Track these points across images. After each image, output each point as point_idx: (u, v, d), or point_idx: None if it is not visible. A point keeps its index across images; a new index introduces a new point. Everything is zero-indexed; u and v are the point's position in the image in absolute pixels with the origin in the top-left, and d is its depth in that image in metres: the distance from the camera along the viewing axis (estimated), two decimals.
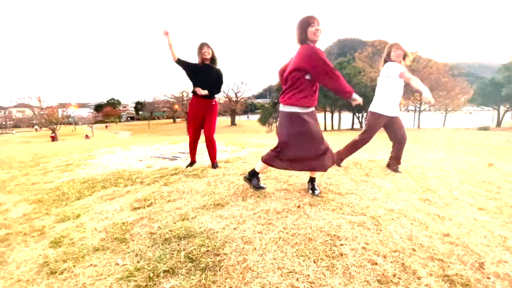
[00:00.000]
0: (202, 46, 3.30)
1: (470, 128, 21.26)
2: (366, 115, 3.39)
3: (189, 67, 3.36)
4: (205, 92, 3.33)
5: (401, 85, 3.12)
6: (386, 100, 3.14)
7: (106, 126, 57.37)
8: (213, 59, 3.37)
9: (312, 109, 2.27)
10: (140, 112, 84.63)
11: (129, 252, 1.63)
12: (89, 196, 2.76)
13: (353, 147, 3.32)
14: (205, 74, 3.35)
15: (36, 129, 45.46)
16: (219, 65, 3.46)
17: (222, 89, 3.57)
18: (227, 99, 51.20)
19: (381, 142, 6.64)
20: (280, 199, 2.26)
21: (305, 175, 2.91)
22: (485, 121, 29.00)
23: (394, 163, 3.29)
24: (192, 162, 3.68)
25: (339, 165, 3.37)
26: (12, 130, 52.76)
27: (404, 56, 3.09)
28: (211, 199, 2.35)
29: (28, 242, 1.91)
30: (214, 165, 3.52)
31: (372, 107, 3.22)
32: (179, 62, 3.32)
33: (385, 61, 3.15)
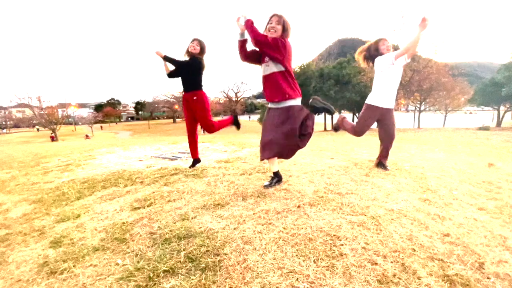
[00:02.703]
0: (192, 40, 3.35)
1: (470, 128, 21.25)
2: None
3: (176, 65, 3.37)
4: (158, 53, 3.36)
5: (394, 75, 3.12)
6: (382, 92, 3.16)
7: (101, 127, 55.51)
8: (200, 53, 3.35)
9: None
10: (140, 112, 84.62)
11: (129, 252, 1.64)
12: (89, 196, 2.76)
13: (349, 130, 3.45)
14: (183, 67, 3.35)
15: (38, 129, 45.36)
16: (215, 59, 3.51)
17: (201, 79, 3.45)
18: (227, 99, 51.21)
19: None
20: (280, 199, 2.25)
21: (305, 175, 2.91)
22: (485, 121, 28.98)
23: (382, 161, 3.32)
24: (195, 160, 3.64)
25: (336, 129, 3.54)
26: (3, 130, 52.68)
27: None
28: (211, 199, 2.35)
29: (28, 242, 1.91)
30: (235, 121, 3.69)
31: (369, 100, 3.25)
32: (169, 75, 3.44)
33: (374, 57, 3.18)
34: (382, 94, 3.15)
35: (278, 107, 2.37)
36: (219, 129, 3.54)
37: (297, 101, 2.37)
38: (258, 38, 2.18)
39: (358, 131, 3.36)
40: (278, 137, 2.34)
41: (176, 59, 3.35)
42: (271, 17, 2.25)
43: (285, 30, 2.25)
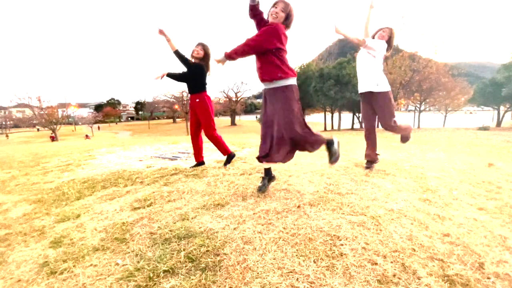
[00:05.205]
0: (196, 45, 3.42)
1: (470, 128, 21.26)
2: None
3: (183, 63, 3.48)
4: (157, 77, 3.40)
5: (363, 59, 3.14)
6: (359, 78, 3.26)
7: (99, 127, 54.20)
8: (204, 58, 3.41)
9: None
10: (140, 112, 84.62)
11: (129, 252, 1.64)
12: (89, 196, 2.76)
13: (369, 142, 3.32)
14: (189, 73, 3.45)
15: (38, 129, 45.38)
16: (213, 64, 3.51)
17: (206, 83, 3.50)
18: (227, 99, 51.20)
19: (380, 142, 6.64)
20: (280, 199, 2.25)
21: (305, 175, 2.91)
22: (485, 121, 29.01)
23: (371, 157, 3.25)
24: (199, 163, 3.65)
25: (370, 166, 3.24)
26: None
27: (389, 41, 3.12)
28: (211, 199, 2.35)
29: (28, 242, 1.91)
30: (228, 157, 3.57)
31: None
32: (176, 53, 3.47)
33: None
34: (359, 80, 3.27)
35: (271, 87, 2.25)
36: (216, 142, 3.54)
37: (291, 81, 2.23)
38: (249, 50, 2.15)
39: (367, 127, 3.32)
40: (280, 128, 2.21)
41: (178, 73, 3.48)
42: (277, 1, 2.18)
43: (287, 19, 2.20)
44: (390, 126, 3.06)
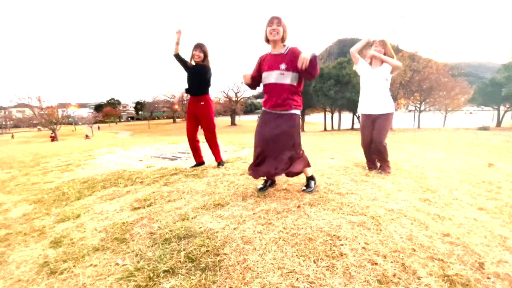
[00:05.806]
0: (194, 48, 3.38)
1: (470, 128, 21.26)
2: None
3: (183, 66, 3.48)
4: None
5: (373, 81, 3.07)
6: (361, 98, 3.23)
7: (99, 127, 53.30)
8: (205, 59, 3.39)
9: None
10: (140, 112, 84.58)
11: (129, 252, 1.64)
12: (89, 196, 2.77)
13: (367, 154, 3.29)
14: (191, 75, 3.44)
15: (39, 128, 45.36)
16: (213, 64, 3.49)
17: (210, 85, 3.48)
18: (227, 99, 51.17)
19: None
20: (280, 199, 2.25)
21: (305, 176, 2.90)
22: (485, 121, 29.00)
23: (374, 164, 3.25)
24: (198, 163, 3.65)
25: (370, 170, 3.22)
26: None
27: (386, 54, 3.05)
28: (211, 199, 2.35)
29: (28, 242, 1.92)
30: (218, 163, 3.56)
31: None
32: (177, 56, 3.46)
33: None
34: (360, 101, 3.23)
35: (281, 113, 2.27)
36: (214, 145, 3.56)
37: (299, 111, 2.32)
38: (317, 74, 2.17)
39: (364, 136, 3.25)
40: (278, 146, 2.28)
41: (186, 62, 3.45)
42: (271, 19, 2.20)
43: (285, 31, 2.23)
44: (379, 144, 3.06)
